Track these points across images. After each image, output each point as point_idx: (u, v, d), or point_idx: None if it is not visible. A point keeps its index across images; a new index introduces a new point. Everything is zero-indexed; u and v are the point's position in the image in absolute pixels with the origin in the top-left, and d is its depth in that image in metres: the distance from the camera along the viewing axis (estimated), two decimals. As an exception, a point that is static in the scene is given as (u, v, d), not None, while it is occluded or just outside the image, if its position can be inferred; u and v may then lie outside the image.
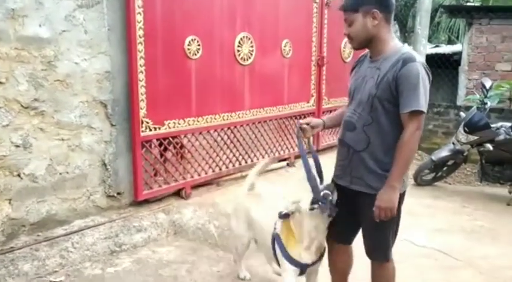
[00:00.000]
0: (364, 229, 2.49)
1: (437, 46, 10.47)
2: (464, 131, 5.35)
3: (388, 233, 2.42)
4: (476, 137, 5.30)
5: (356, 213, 2.46)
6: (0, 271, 2.90)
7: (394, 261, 2.53)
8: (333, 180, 2.54)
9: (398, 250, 3.92)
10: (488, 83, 5.54)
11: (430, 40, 9.26)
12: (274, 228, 2.59)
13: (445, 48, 9.93)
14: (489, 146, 5.24)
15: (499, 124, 5.37)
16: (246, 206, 2.96)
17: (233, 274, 3.31)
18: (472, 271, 3.55)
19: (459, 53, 8.15)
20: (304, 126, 2.53)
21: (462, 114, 5.71)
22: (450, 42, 12.49)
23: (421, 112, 2.20)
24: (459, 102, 7.71)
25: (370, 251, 2.50)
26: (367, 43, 2.34)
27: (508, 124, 5.32)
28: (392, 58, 2.27)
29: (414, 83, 2.18)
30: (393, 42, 2.34)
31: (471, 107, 5.84)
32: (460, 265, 3.66)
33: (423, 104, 2.19)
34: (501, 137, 5.22)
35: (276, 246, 2.56)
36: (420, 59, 2.26)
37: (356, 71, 2.50)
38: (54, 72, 3.31)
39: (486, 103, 5.51)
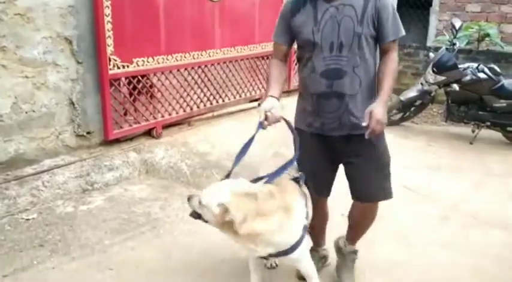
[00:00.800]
0: (363, 171, 2.39)
1: (409, -14, 10.35)
2: (433, 71, 5.42)
3: (389, 168, 2.47)
4: (443, 78, 5.38)
5: (347, 160, 2.41)
6: (-31, 209, 2.88)
7: None
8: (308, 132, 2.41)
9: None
10: (458, 24, 5.55)
11: (402, -20, 9.12)
12: None
13: (418, -11, 9.83)
14: (455, 86, 5.35)
15: (466, 65, 5.45)
16: None
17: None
18: (434, 205, 3.73)
19: (431, -6, 8.10)
20: (268, 113, 2.20)
21: (431, 54, 5.76)
22: (423, -18, 12.35)
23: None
24: (429, 43, 7.75)
25: (374, 192, 2.45)
26: None
27: (475, 65, 5.41)
28: None
29: (392, 10, 2.24)
30: None
31: (441, 48, 5.88)
32: (424, 199, 3.84)
33: (402, 29, 2.28)
34: (467, 78, 5.32)
35: None
36: None
37: (306, 15, 2.23)
38: (13, 6, 3.14)
39: (455, 44, 5.55)
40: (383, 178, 2.45)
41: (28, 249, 2.72)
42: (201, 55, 4.52)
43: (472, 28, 6.92)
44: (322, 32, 2.20)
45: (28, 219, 2.99)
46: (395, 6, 6.81)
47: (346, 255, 2.68)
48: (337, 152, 2.40)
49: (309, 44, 2.25)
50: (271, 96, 2.25)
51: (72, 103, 3.60)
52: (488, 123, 5.42)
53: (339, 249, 2.72)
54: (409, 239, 3.16)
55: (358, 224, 2.63)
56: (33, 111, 3.37)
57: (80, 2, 3.48)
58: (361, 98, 2.28)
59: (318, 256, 2.72)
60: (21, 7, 3.18)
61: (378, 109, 2.14)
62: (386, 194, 2.49)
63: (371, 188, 2.43)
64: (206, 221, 2.05)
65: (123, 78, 3.82)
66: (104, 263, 2.67)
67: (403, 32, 2.28)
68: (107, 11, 3.54)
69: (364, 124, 2.14)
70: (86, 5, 3.52)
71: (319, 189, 2.48)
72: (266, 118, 2.18)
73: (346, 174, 2.47)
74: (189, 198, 2.10)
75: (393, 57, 2.29)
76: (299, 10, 2.26)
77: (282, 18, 2.33)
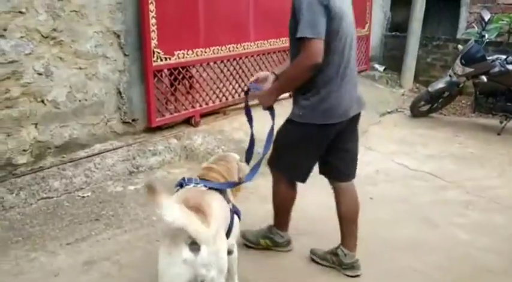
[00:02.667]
0: None
1: (440, -22, 10.32)
2: (461, 63, 5.52)
3: (278, 150, 2.61)
4: (472, 69, 5.48)
5: None
6: (33, 187, 3.22)
7: (287, 185, 2.70)
8: None
9: (392, 173, 4.30)
10: (487, 16, 5.63)
11: (433, -28, 9.13)
12: None
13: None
14: (484, 78, 5.43)
15: (495, 56, 5.53)
16: None
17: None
18: (459, 191, 3.90)
19: (462, -14, 8.12)
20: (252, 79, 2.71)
21: (460, 47, 5.85)
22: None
23: (307, 39, 2.16)
24: (459, 36, 7.79)
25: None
26: None
27: (503, 56, 5.48)
28: None
29: (299, 8, 2.20)
30: None
31: (470, 40, 5.96)
32: (448, 186, 4.01)
33: (305, 30, 2.16)
34: (496, 69, 5.40)
35: None
36: None
37: None
38: (69, 3, 3.45)
39: (484, 36, 5.64)
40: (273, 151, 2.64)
41: (86, 222, 3.05)
42: (237, 48, 4.77)
43: (503, 20, 6.94)
44: None
45: (83, 197, 3.32)
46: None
47: None
48: None
49: None
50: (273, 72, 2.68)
51: (120, 92, 3.91)
52: (517, 115, 5.50)
53: None
54: (432, 222, 3.34)
55: None
56: (86, 99, 3.69)
57: (127, -2, 3.79)
58: (297, 89, 2.45)
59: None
60: (76, 4, 3.49)
61: (262, 91, 2.54)
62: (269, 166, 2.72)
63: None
64: None
65: (165, 70, 4.11)
66: (152, 235, 2.97)
67: (300, 34, 2.17)
68: (152, 7, 3.82)
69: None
70: (133, 1, 3.81)
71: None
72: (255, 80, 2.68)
73: None
74: None
75: (295, 62, 2.31)
76: None
77: None
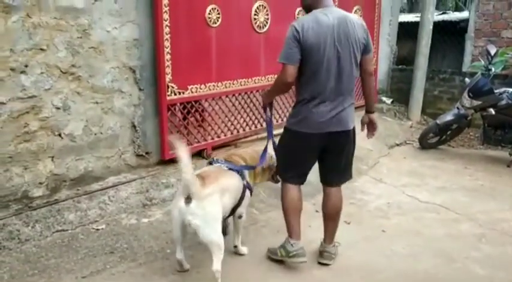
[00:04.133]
0: None
1: (444, 13, 10.54)
2: (469, 96, 5.59)
3: (278, 153, 3.18)
4: (479, 102, 5.55)
5: None
6: (49, 219, 3.25)
7: (285, 188, 3.08)
8: None
9: (404, 205, 4.31)
10: (493, 50, 5.74)
11: (437, 7, 9.32)
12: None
13: (452, 15, 10.02)
14: (492, 111, 5.49)
15: (502, 89, 5.60)
16: None
17: (254, 225, 3.67)
18: (471, 223, 3.89)
19: (466, 20, 8.27)
20: None
21: (467, 80, 5.93)
22: (457, 9, 12.51)
23: (282, 63, 2.81)
24: (464, 69, 7.89)
25: None
26: None
27: (511, 89, 5.55)
28: None
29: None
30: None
31: (476, 73, 6.04)
32: (461, 218, 4.00)
33: (281, 56, 2.82)
34: (503, 102, 5.47)
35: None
36: (298, 21, 2.87)
37: None
38: (88, 40, 3.56)
39: (490, 69, 5.73)
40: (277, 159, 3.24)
41: (101, 255, 3.06)
42: (247, 82, 4.87)
43: (508, 54, 7.05)
44: None
45: (98, 229, 3.33)
46: (428, 34, 7.05)
47: None
48: None
49: None
50: None
51: (134, 126, 3.98)
52: (526, 147, 5.52)
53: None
54: (448, 255, 3.33)
55: None
56: (101, 133, 3.76)
57: (143, 35, 3.90)
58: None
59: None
60: (95, 41, 3.60)
61: (263, 93, 3.33)
62: None
63: None
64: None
65: (178, 104, 4.19)
66: (167, 268, 2.98)
67: (280, 59, 2.82)
68: (167, 43, 3.94)
69: None
70: (149, 38, 3.93)
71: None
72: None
73: None
74: None
75: (277, 76, 2.97)
76: None
77: None
